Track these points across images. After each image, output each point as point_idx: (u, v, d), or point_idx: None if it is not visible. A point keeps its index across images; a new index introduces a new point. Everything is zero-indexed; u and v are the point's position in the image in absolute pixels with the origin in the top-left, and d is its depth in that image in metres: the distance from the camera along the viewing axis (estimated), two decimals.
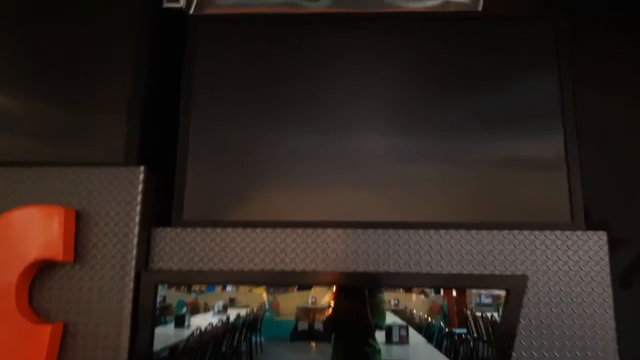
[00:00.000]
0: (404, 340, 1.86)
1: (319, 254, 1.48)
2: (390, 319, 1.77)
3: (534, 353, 1.38)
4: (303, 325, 1.66)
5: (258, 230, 1.49)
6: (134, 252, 1.41)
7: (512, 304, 1.38)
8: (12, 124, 1.55)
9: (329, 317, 1.62)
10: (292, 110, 1.60)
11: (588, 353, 1.38)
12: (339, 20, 1.67)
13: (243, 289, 1.53)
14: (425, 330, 1.85)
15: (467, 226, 1.48)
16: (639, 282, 1.63)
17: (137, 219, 1.42)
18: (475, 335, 1.72)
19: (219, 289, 1.55)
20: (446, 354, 1.75)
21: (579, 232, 1.45)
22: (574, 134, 1.55)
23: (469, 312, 1.66)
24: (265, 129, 1.59)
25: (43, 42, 1.59)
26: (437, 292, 1.65)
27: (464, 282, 1.44)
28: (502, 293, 1.51)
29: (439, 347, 1.80)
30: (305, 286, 1.60)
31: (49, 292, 1.40)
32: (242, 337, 1.62)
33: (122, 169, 1.46)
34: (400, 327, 1.84)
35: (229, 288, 1.56)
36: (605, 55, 1.74)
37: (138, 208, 1.43)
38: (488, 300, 1.64)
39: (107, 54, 1.57)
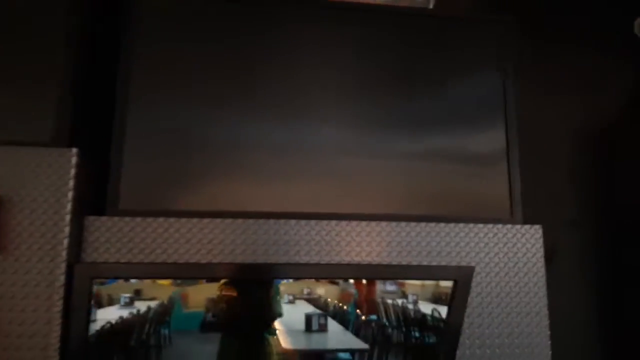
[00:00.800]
0: (323, 328, 1.88)
1: (259, 245, 1.44)
2: (307, 307, 1.78)
3: (475, 340, 1.44)
4: (212, 317, 1.64)
5: (195, 220, 1.42)
6: (66, 242, 1.27)
7: (460, 295, 1.42)
8: None
9: (230, 308, 1.60)
10: (236, 96, 1.53)
11: (524, 332, 1.46)
12: (293, 5, 1.62)
13: (148, 280, 1.45)
14: (341, 318, 1.88)
15: (410, 218, 1.51)
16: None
17: (68, 206, 1.29)
18: (386, 321, 1.78)
19: (121, 280, 1.46)
20: (364, 340, 1.79)
21: (517, 226, 1.53)
22: (514, 132, 1.63)
23: (378, 300, 1.71)
24: (208, 113, 1.51)
25: None
26: (346, 280, 1.69)
27: (412, 273, 1.47)
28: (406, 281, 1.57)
29: (356, 334, 1.84)
30: (214, 278, 1.57)
31: None
32: (151, 331, 1.55)
33: (52, 150, 1.31)
34: (320, 315, 1.86)
35: (133, 280, 1.48)
36: (548, 58, 1.87)
37: (70, 194, 1.30)
38: (392, 288, 1.70)
39: (36, 18, 1.41)
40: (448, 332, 1.43)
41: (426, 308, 1.77)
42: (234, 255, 1.43)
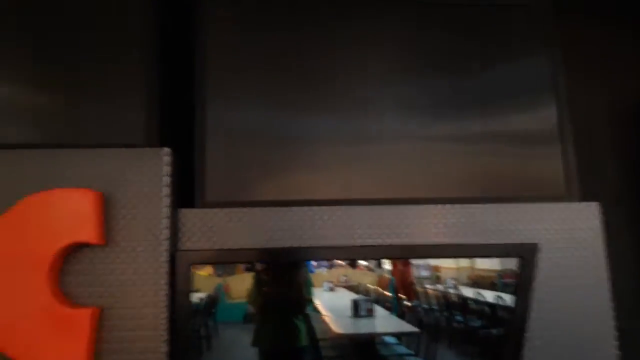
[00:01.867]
0: (370, 313, 1.97)
1: (341, 230, 1.54)
2: (347, 294, 1.87)
3: (542, 317, 1.53)
4: (253, 307, 1.72)
5: (275, 209, 1.53)
6: (166, 233, 1.41)
7: (526, 272, 1.51)
8: (37, 108, 1.50)
9: (257, 297, 1.69)
10: (308, 89, 1.64)
11: (587, 310, 1.55)
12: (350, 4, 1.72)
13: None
14: (384, 303, 1.97)
15: (469, 200, 1.59)
16: None
17: (165, 200, 1.43)
18: (430, 306, 1.87)
19: None
20: (411, 323, 1.89)
21: (575, 204, 1.61)
22: (565, 110, 1.70)
23: (416, 284, 1.80)
24: (284, 108, 1.62)
25: (58, 30, 1.55)
26: (379, 266, 1.77)
27: (477, 252, 1.56)
28: (439, 263, 1.66)
29: (401, 318, 1.94)
30: (252, 267, 1.66)
31: (82, 276, 1.38)
32: (201, 322, 1.64)
33: (146, 150, 1.44)
34: (366, 301, 1.95)
35: None
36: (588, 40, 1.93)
37: (165, 189, 1.43)
38: (426, 273, 1.79)
39: (122, 37, 1.54)
40: (517, 312, 1.52)
41: (467, 292, 1.86)
42: (308, 240, 1.52)
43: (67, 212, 1.34)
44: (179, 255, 1.42)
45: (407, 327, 1.97)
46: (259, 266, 1.66)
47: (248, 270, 1.67)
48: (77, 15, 1.56)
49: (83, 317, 1.32)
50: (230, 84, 1.62)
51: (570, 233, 1.58)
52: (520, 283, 1.52)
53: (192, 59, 1.63)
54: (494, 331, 1.83)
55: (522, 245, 1.54)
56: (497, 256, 1.61)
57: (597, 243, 1.58)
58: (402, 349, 1.98)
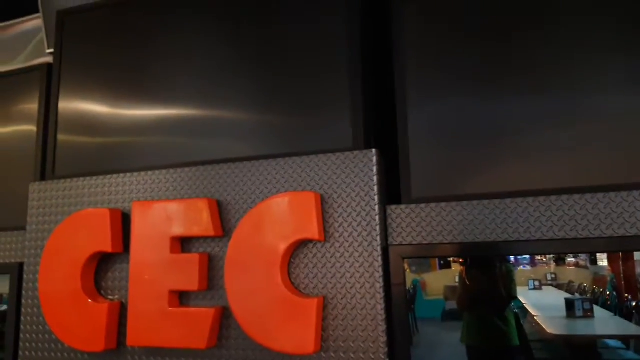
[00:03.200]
0: (588, 314, 1.78)
1: (543, 223, 1.46)
2: (556, 293, 1.71)
3: None
4: (451, 305, 1.66)
5: (483, 202, 1.50)
6: (378, 229, 1.50)
7: None
8: (266, 125, 1.75)
9: (463, 293, 1.60)
10: (514, 77, 1.58)
11: None
12: None
13: None
14: (603, 303, 1.75)
15: None
16: None
17: (376, 198, 1.52)
18: None
19: None
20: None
21: None
22: None
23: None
24: (486, 96, 1.59)
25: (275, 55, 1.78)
26: (594, 263, 1.57)
27: None
28: None
29: (628, 319, 1.70)
30: (447, 264, 1.60)
31: (307, 269, 1.55)
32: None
33: (356, 153, 1.56)
34: (584, 301, 1.77)
35: None
36: None
37: (376, 188, 1.53)
38: None
39: (328, 59, 1.70)
40: None
41: None
42: (530, 233, 1.47)
43: (294, 212, 1.53)
44: (391, 249, 1.51)
45: (634, 329, 1.77)
46: (460, 262, 1.66)
47: (443, 267, 1.69)
48: (284, 31, 1.77)
49: (311, 306, 1.47)
50: (428, 80, 1.65)
51: None
52: None
53: (390, 59, 1.70)
54: None
55: None
56: None
57: None
58: (631, 355, 1.79)
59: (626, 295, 1.69)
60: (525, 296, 1.76)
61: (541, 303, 1.83)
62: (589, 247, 1.47)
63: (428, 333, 1.80)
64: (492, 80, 1.59)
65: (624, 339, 1.82)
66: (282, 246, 1.51)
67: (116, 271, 1.77)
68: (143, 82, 1.92)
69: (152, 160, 1.84)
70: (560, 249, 1.48)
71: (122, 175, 1.82)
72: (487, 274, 1.73)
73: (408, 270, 1.64)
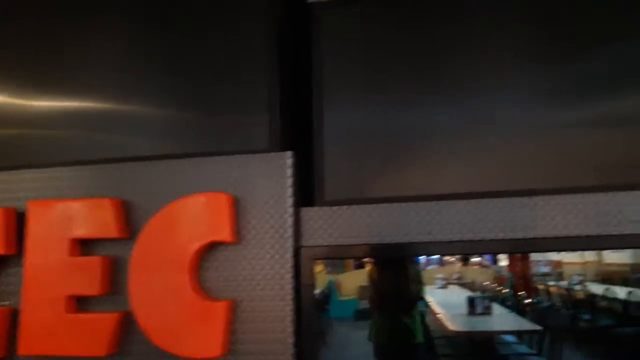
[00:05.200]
0: (487, 311, 1.91)
1: (454, 225, 1.51)
2: (461, 291, 1.83)
3: None
4: (364, 304, 1.74)
5: (396, 205, 1.55)
6: (290, 231, 1.51)
7: None
8: (175, 122, 1.70)
9: (372, 292, 1.68)
10: (422, 84, 1.64)
11: None
12: None
13: None
14: (502, 301, 1.90)
15: (603, 188, 1.47)
16: None
17: (289, 201, 1.52)
18: (549, 303, 1.76)
19: None
20: (532, 321, 1.80)
21: None
22: None
23: (536, 282, 1.71)
24: (399, 103, 1.64)
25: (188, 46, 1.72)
26: (495, 263, 1.70)
27: (613, 243, 1.46)
28: (561, 259, 1.53)
29: (522, 315, 1.85)
30: (361, 265, 1.68)
31: (218, 272, 1.52)
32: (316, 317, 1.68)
33: (271, 155, 1.55)
34: (483, 298, 1.90)
35: None
36: None
37: (289, 190, 1.53)
38: (547, 269, 1.68)
39: (244, 56, 1.68)
40: None
41: (596, 289, 1.74)
42: (433, 235, 1.52)
43: (205, 214, 1.49)
44: (302, 251, 1.51)
45: (527, 325, 1.91)
46: (370, 262, 1.70)
47: (357, 267, 1.73)
48: (201, 30, 1.72)
49: (219, 309, 1.45)
50: (346, 84, 1.68)
51: None
52: None
53: (309, 61, 1.71)
54: (628, 330, 1.72)
55: None
56: (633, 247, 1.51)
57: None
58: (523, 349, 1.93)
59: (522, 293, 1.81)
60: (432, 295, 1.84)
61: (445, 301, 1.92)
62: (486, 249, 1.57)
63: (341, 332, 1.83)
64: (404, 89, 1.64)
65: (519, 334, 1.95)
66: (192, 248, 1.47)
67: (9, 275, 1.62)
68: (43, 72, 1.79)
69: (52, 155, 1.71)
70: (460, 250, 1.56)
71: (17, 171, 1.68)
72: (395, 274, 1.78)
73: (324, 271, 1.65)
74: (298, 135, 1.70)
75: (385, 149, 1.62)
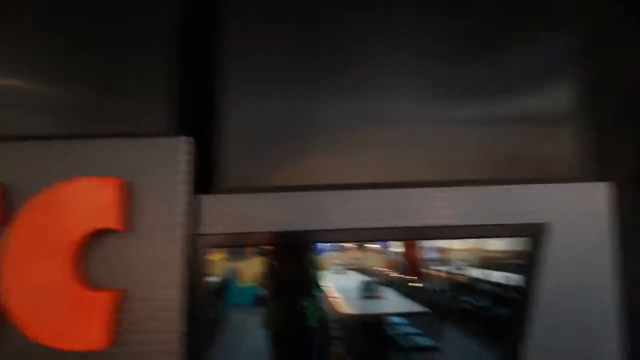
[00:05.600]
0: (378, 294, 2.01)
1: (348, 214, 1.56)
2: (358, 276, 1.92)
3: (550, 297, 1.56)
4: (264, 290, 1.78)
5: (294, 194, 1.56)
6: (183, 219, 1.46)
7: (536, 252, 1.55)
8: (61, 100, 1.56)
9: (270, 279, 1.73)
10: (322, 76, 1.66)
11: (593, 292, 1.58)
12: None
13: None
14: (393, 285, 2.01)
15: (482, 182, 1.61)
16: None
17: (184, 187, 1.47)
18: (440, 287, 1.91)
19: None
20: (419, 304, 1.94)
21: (588, 184, 1.60)
22: (580, 91, 1.69)
23: (426, 267, 1.84)
24: (301, 93, 1.65)
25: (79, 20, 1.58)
26: (390, 249, 1.81)
27: (488, 232, 1.59)
28: (447, 246, 1.68)
29: (411, 298, 1.99)
30: (262, 252, 1.71)
31: (105, 261, 1.43)
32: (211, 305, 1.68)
33: (167, 139, 1.49)
34: (375, 282, 2.00)
35: None
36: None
37: (184, 177, 1.48)
38: (435, 255, 1.82)
39: (142, 27, 1.58)
40: (524, 292, 1.56)
41: (475, 273, 1.90)
42: (323, 223, 1.55)
43: (91, 200, 1.40)
44: (194, 240, 1.48)
45: (415, 307, 2.02)
46: (268, 250, 1.71)
47: (258, 255, 1.73)
48: (98, 6, 1.59)
49: (103, 300, 1.37)
50: (249, 71, 1.65)
51: (580, 213, 1.58)
52: (529, 263, 1.55)
53: (213, 47, 1.66)
54: (501, 311, 1.88)
55: (531, 225, 1.56)
56: (506, 236, 1.65)
57: (607, 224, 1.58)
58: (410, 329, 2.04)
59: (412, 277, 1.91)
60: (329, 280, 1.88)
61: (342, 286, 1.97)
62: (378, 236, 1.63)
63: (239, 319, 1.82)
64: (305, 79, 1.65)
65: (406, 315, 2.06)
66: (75, 236, 1.38)
67: None
68: None
69: None
70: (355, 238, 1.62)
71: None
72: (292, 261, 1.79)
73: (224, 259, 1.63)
74: (200, 121, 1.64)
75: (286, 138, 1.62)
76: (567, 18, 1.75)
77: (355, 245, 1.98)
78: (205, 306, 1.48)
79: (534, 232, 1.56)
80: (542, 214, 1.58)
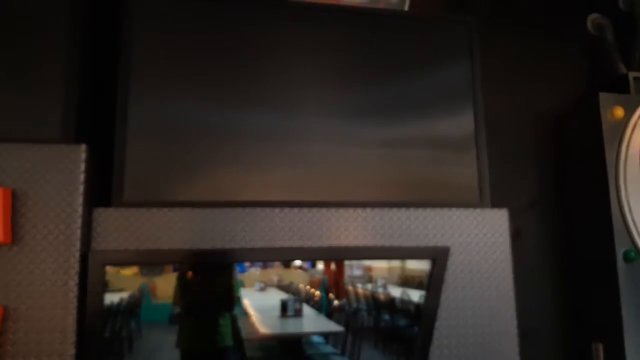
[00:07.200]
0: (298, 313, 2.00)
1: (266, 232, 1.55)
2: (279, 294, 1.91)
3: (451, 316, 1.61)
4: (178, 308, 1.73)
5: (198, 210, 1.53)
6: (79, 233, 1.38)
7: (437, 273, 1.59)
8: None
9: (182, 298, 1.70)
10: (230, 90, 1.64)
11: (493, 307, 1.65)
12: (279, 7, 1.74)
13: (110, 270, 1.48)
14: (314, 303, 2.01)
15: (386, 204, 1.66)
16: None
17: (80, 199, 1.39)
18: (357, 305, 1.93)
19: None
20: (338, 323, 1.94)
21: (486, 210, 1.70)
22: (482, 118, 1.79)
23: (348, 285, 1.86)
24: (208, 104, 1.62)
25: None
26: (314, 266, 1.83)
27: (391, 254, 1.62)
28: (373, 265, 1.72)
29: (329, 318, 1.99)
30: (180, 267, 1.67)
31: None
32: (123, 322, 1.62)
33: (62, 146, 1.40)
34: (295, 300, 1.99)
35: None
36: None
37: (81, 188, 1.40)
38: (359, 272, 1.85)
39: (40, 25, 1.49)
40: (426, 311, 1.59)
41: (395, 292, 1.92)
42: (231, 242, 1.52)
43: None
44: (91, 255, 1.39)
45: (333, 326, 2.00)
46: (183, 267, 1.65)
47: (176, 270, 1.66)
48: None
49: None
50: (153, 80, 1.60)
51: (480, 237, 1.67)
52: (431, 284, 1.59)
53: (115, 55, 1.59)
54: (416, 329, 1.90)
55: (434, 248, 1.61)
56: (411, 258, 1.68)
57: (504, 247, 1.68)
58: (328, 349, 2.02)
59: (333, 296, 1.89)
60: (250, 297, 1.83)
61: (261, 304, 1.92)
62: (287, 255, 1.62)
63: (152, 337, 1.72)
64: (215, 92, 1.62)
65: (325, 335, 2.03)
66: None
67: None
68: None
69: None
70: (261, 257, 1.59)
71: None
72: (206, 279, 1.74)
73: (137, 273, 1.56)
74: (99, 128, 1.57)
75: (193, 151, 1.58)
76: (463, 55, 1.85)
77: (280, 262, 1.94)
78: (100, 328, 1.39)
79: (436, 255, 1.60)
80: (444, 237, 1.64)
